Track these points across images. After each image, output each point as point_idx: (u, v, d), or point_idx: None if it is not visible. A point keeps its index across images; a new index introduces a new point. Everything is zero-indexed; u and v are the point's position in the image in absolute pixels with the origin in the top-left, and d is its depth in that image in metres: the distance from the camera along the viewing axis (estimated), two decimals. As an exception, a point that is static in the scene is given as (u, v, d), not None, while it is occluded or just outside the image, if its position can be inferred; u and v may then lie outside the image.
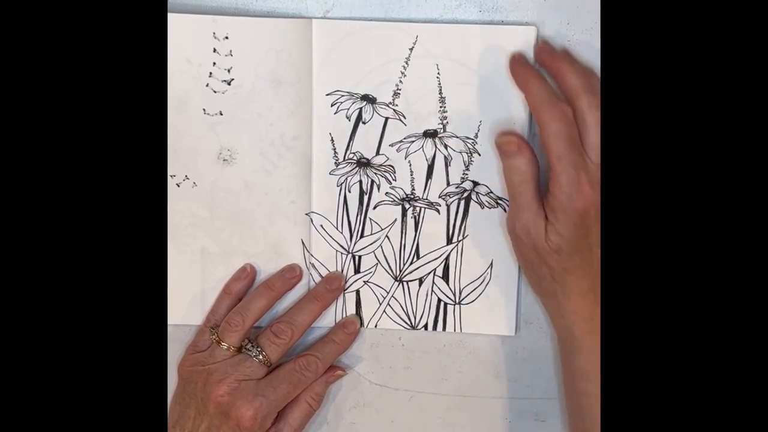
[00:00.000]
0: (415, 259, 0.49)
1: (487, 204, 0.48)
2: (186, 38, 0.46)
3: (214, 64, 0.47)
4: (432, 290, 0.50)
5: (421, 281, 0.50)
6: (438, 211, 0.49)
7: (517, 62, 0.45)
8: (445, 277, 0.50)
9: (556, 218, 0.42)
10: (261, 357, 0.47)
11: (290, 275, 0.50)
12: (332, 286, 0.49)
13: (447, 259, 0.49)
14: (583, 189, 0.41)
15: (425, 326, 0.51)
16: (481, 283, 0.50)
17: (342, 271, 0.50)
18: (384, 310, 0.50)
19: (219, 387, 0.46)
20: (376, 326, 0.51)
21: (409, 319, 0.50)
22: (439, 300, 0.50)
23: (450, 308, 0.50)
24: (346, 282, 0.50)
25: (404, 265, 0.50)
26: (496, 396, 0.52)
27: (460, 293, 0.50)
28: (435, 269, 0.50)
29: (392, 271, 0.50)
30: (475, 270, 0.49)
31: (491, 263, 0.49)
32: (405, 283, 0.50)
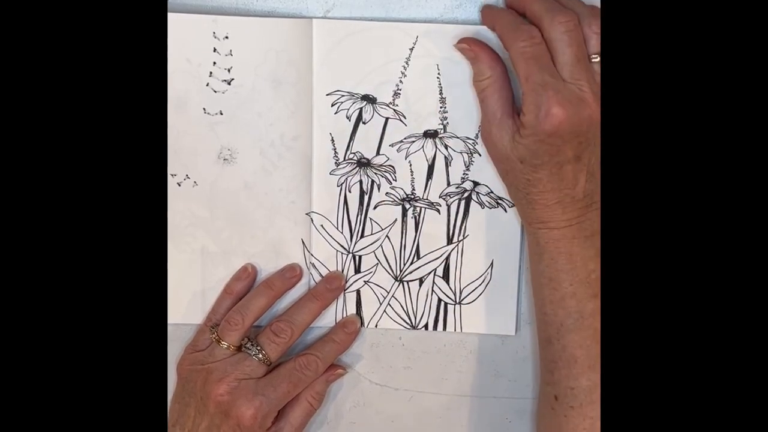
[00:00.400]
0: (415, 259, 0.49)
1: (487, 204, 0.48)
2: (186, 38, 0.46)
3: (215, 63, 0.47)
4: (432, 290, 0.50)
5: (421, 281, 0.50)
6: (438, 211, 0.49)
7: (486, 6, 0.45)
8: (446, 277, 0.50)
9: (522, 136, 0.42)
10: (261, 356, 0.47)
11: (290, 275, 0.50)
12: (332, 285, 0.49)
13: (447, 259, 0.49)
14: (551, 110, 0.40)
15: (425, 326, 0.51)
16: (482, 283, 0.50)
17: (342, 271, 0.50)
18: (384, 310, 0.50)
19: (219, 386, 0.46)
20: (376, 326, 0.51)
21: (410, 318, 0.50)
22: (440, 300, 0.50)
23: (450, 308, 0.50)
24: (346, 282, 0.50)
25: (404, 265, 0.50)
26: (496, 396, 0.52)
27: (461, 293, 0.50)
28: (435, 269, 0.50)
29: (392, 271, 0.50)
30: (476, 270, 0.49)
31: (491, 263, 0.49)
32: (405, 283, 0.50)
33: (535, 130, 0.41)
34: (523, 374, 0.52)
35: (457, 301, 0.50)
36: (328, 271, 0.50)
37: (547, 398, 0.45)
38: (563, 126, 0.40)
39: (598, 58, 0.41)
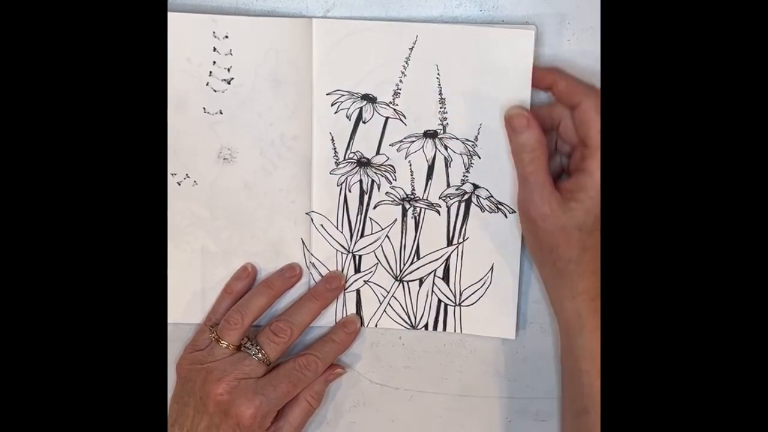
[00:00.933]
0: (415, 259, 0.49)
1: (487, 208, 0.48)
2: (186, 37, 0.46)
3: (214, 63, 0.47)
4: (432, 291, 0.50)
5: (421, 281, 0.50)
6: (438, 212, 0.49)
7: (541, 69, 0.45)
8: (446, 278, 0.50)
9: (588, 197, 0.41)
10: (260, 356, 0.47)
11: (290, 274, 0.50)
12: (332, 285, 0.49)
13: (447, 260, 0.49)
14: None
15: (425, 326, 0.51)
16: (482, 286, 0.49)
17: (342, 270, 0.50)
18: (384, 310, 0.50)
19: (218, 385, 0.46)
20: (376, 326, 0.51)
21: (410, 319, 0.50)
22: (440, 301, 0.50)
23: (450, 309, 0.50)
24: (346, 281, 0.50)
25: (404, 265, 0.50)
26: (496, 396, 0.52)
27: (461, 295, 0.50)
28: (435, 270, 0.50)
29: (392, 270, 0.50)
30: (476, 273, 0.49)
31: (492, 267, 0.49)
32: (405, 283, 0.50)
33: (600, 190, 0.41)
34: (523, 374, 0.52)
35: (457, 302, 0.50)
36: (328, 271, 0.50)
37: None
38: None
39: None
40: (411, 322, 0.50)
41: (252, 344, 0.47)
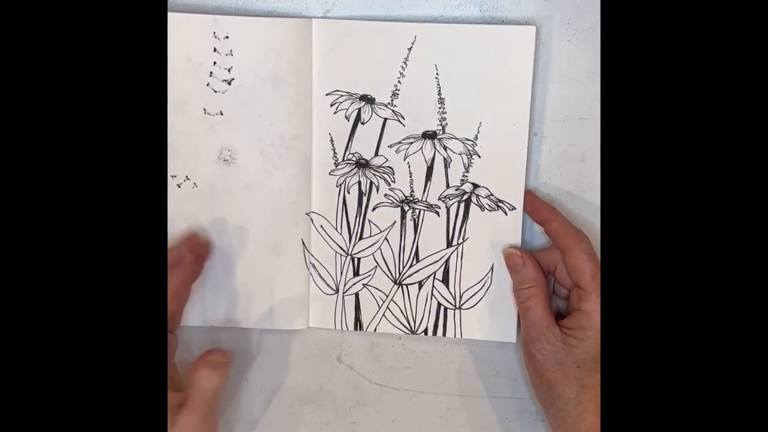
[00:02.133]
0: (414, 261, 0.49)
1: (487, 207, 0.48)
2: (186, 38, 0.46)
3: (215, 63, 0.47)
4: (432, 294, 0.50)
5: (420, 284, 0.50)
6: (437, 213, 0.48)
7: (533, 197, 0.47)
8: (445, 280, 0.49)
9: (587, 336, 0.42)
10: None
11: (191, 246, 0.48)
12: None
13: (447, 262, 0.49)
14: None
15: (425, 331, 0.50)
16: (482, 287, 0.49)
17: (342, 273, 0.50)
18: (384, 315, 0.50)
19: None
20: (375, 330, 0.51)
21: (409, 323, 0.50)
22: (440, 304, 0.50)
23: (450, 313, 0.50)
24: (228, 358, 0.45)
25: (404, 268, 0.49)
26: (496, 396, 0.52)
27: (461, 297, 0.50)
28: (435, 272, 0.49)
29: (392, 274, 0.50)
30: (476, 274, 0.49)
31: (492, 267, 0.49)
32: (404, 287, 0.50)
33: (599, 330, 0.41)
34: (523, 374, 0.52)
35: (457, 305, 0.50)
36: (327, 272, 0.50)
37: None
38: None
39: None
40: (410, 327, 0.50)
41: None
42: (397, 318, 0.50)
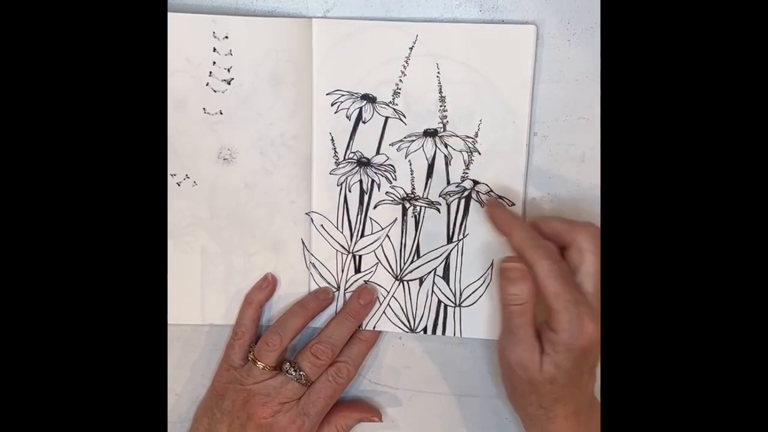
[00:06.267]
0: (415, 258, 0.49)
1: (487, 202, 0.48)
2: (186, 38, 0.46)
3: (214, 63, 0.47)
4: (432, 291, 0.50)
5: (421, 281, 0.50)
6: (438, 210, 0.49)
7: (496, 208, 0.46)
8: (446, 277, 0.49)
9: (555, 352, 0.42)
10: (303, 380, 0.47)
11: (323, 296, 0.50)
12: (366, 300, 0.49)
13: (447, 258, 0.49)
14: (585, 326, 0.41)
15: (424, 329, 0.50)
16: (482, 284, 0.49)
17: (343, 270, 0.50)
18: (384, 312, 0.50)
19: (263, 409, 0.46)
20: (374, 328, 0.51)
21: (409, 321, 0.50)
22: (440, 302, 0.50)
23: (450, 311, 0.50)
24: (375, 296, 0.50)
25: (405, 264, 0.49)
26: (496, 396, 0.52)
27: (461, 294, 0.50)
28: (435, 269, 0.49)
29: (393, 270, 0.50)
30: (476, 271, 0.49)
31: (491, 264, 0.49)
32: (405, 283, 0.50)
33: (571, 347, 0.41)
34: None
35: (457, 303, 0.50)
36: (330, 276, 0.50)
37: None
38: (595, 339, 0.41)
39: None
40: (410, 325, 0.50)
41: (293, 368, 0.47)
42: (397, 315, 0.50)
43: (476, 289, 0.49)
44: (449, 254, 0.49)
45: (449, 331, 0.50)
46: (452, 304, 0.50)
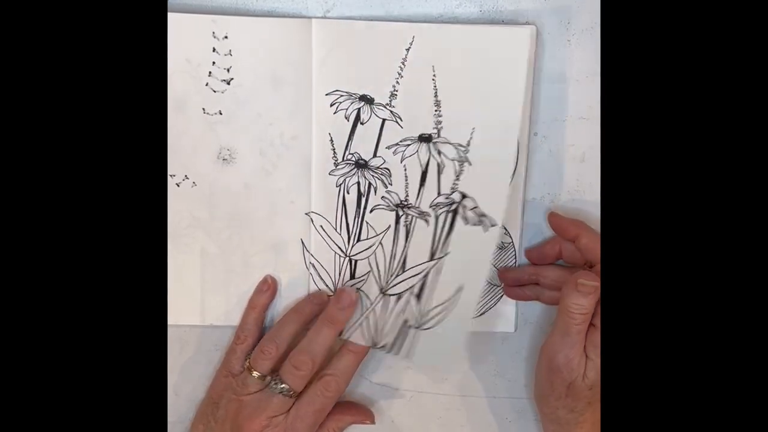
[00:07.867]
0: (401, 272, 0.49)
1: (471, 220, 0.47)
2: (186, 38, 0.46)
3: (214, 63, 0.47)
4: (404, 309, 0.49)
5: (399, 297, 0.49)
6: (427, 222, 0.48)
7: (555, 216, 0.48)
8: (419, 296, 0.49)
9: (598, 356, 0.43)
10: (287, 392, 0.47)
11: (318, 300, 0.49)
12: (343, 303, 0.48)
13: (425, 277, 0.48)
14: None
15: (383, 346, 0.50)
16: (443, 310, 0.49)
17: (340, 274, 0.50)
18: (361, 323, 0.49)
19: (251, 424, 0.46)
20: (348, 338, 0.49)
21: (374, 336, 0.49)
22: (405, 321, 0.49)
23: (411, 332, 0.49)
24: (354, 298, 0.48)
25: (390, 277, 0.49)
26: (496, 396, 0.52)
27: (426, 315, 0.49)
28: (413, 286, 0.49)
29: (380, 281, 0.49)
30: (443, 294, 0.48)
31: (460, 288, 0.48)
32: (387, 297, 0.49)
33: None
34: (523, 374, 0.52)
35: (418, 324, 0.49)
36: (328, 274, 0.50)
37: None
38: None
39: None
40: (375, 340, 0.49)
41: (276, 381, 0.47)
42: (369, 329, 0.49)
43: (438, 314, 0.49)
44: (428, 273, 0.49)
45: (403, 353, 0.49)
46: (414, 325, 0.49)
